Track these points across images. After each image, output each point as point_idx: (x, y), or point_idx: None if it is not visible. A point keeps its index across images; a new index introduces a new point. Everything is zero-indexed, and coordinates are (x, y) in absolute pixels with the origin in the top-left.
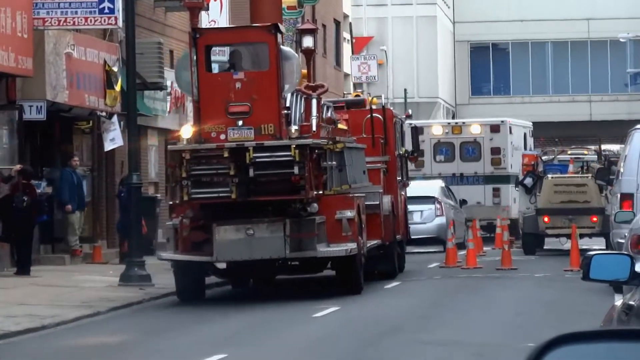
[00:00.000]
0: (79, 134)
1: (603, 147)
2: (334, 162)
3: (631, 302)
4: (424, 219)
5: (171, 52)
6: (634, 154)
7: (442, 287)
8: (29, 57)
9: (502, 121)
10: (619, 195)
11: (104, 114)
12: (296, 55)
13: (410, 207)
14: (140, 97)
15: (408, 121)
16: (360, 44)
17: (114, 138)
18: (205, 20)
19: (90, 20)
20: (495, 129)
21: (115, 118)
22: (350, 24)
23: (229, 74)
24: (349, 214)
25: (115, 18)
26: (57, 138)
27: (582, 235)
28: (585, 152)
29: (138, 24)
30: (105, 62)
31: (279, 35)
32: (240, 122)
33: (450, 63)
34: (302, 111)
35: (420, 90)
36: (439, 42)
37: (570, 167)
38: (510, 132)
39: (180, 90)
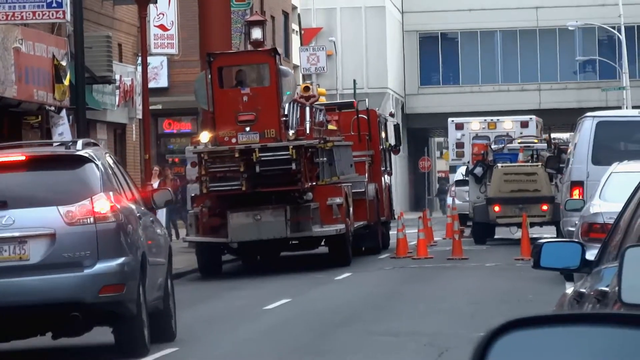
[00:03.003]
0: (28, 129)
1: (552, 135)
2: (325, 158)
3: (582, 290)
4: None
5: (119, 45)
6: (584, 142)
7: (393, 278)
8: None
9: (530, 118)
10: (569, 184)
11: (52, 108)
12: (292, 72)
13: None
14: (89, 91)
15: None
16: (309, 35)
17: (62, 132)
18: (154, 13)
19: (39, 15)
20: (524, 124)
21: (64, 112)
22: (299, 15)
23: (237, 89)
24: (338, 200)
25: (64, 12)
26: (5, 133)
27: (532, 224)
28: (535, 140)
29: (86, 18)
30: (54, 56)
31: (278, 57)
32: (247, 128)
33: (399, 53)
34: (297, 117)
35: (370, 80)
36: (387, 33)
37: (520, 156)
38: (537, 127)
39: (199, 104)
